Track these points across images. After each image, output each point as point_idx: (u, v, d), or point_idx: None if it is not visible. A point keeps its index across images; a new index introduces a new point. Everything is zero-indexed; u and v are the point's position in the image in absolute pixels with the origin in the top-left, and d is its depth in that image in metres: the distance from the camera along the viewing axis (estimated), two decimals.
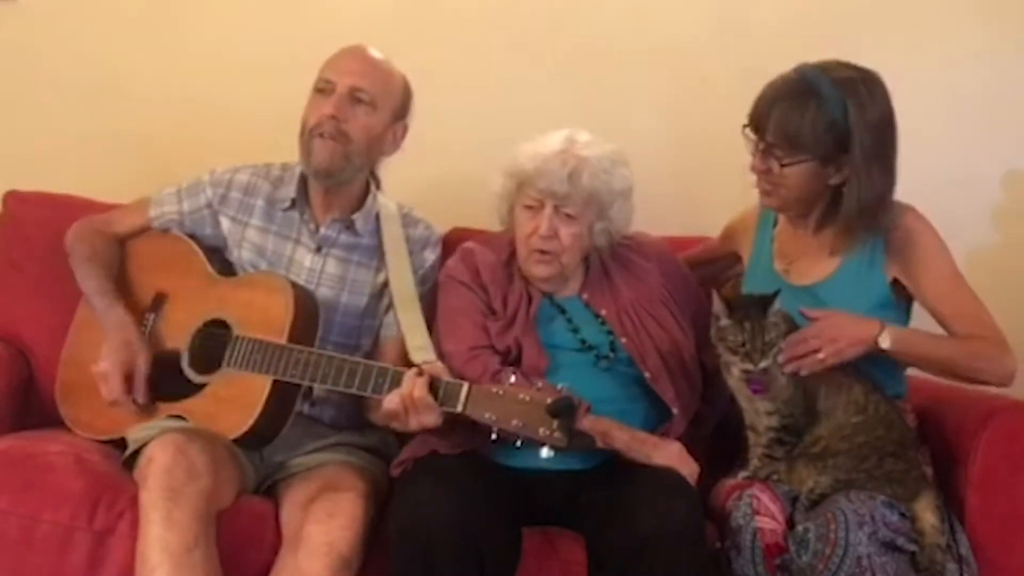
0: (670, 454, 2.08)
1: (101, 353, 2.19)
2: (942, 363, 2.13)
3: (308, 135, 2.26)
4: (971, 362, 2.11)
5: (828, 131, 2.08)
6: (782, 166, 2.11)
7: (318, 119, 2.25)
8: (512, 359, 2.15)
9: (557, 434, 1.87)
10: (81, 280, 2.33)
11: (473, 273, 2.24)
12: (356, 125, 2.26)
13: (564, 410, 1.86)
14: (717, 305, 2.07)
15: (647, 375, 2.16)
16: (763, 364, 2.03)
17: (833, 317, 2.08)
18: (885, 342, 2.06)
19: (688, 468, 2.07)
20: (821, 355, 2.04)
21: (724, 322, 2.06)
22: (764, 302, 2.06)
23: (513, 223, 2.23)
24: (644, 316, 2.22)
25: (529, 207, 2.17)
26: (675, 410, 2.15)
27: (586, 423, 1.99)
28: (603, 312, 2.23)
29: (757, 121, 2.13)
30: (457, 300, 2.23)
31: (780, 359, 2.05)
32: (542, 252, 2.17)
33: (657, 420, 2.17)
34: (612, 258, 2.28)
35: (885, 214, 2.13)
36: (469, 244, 2.32)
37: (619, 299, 2.24)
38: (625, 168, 2.20)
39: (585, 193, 2.15)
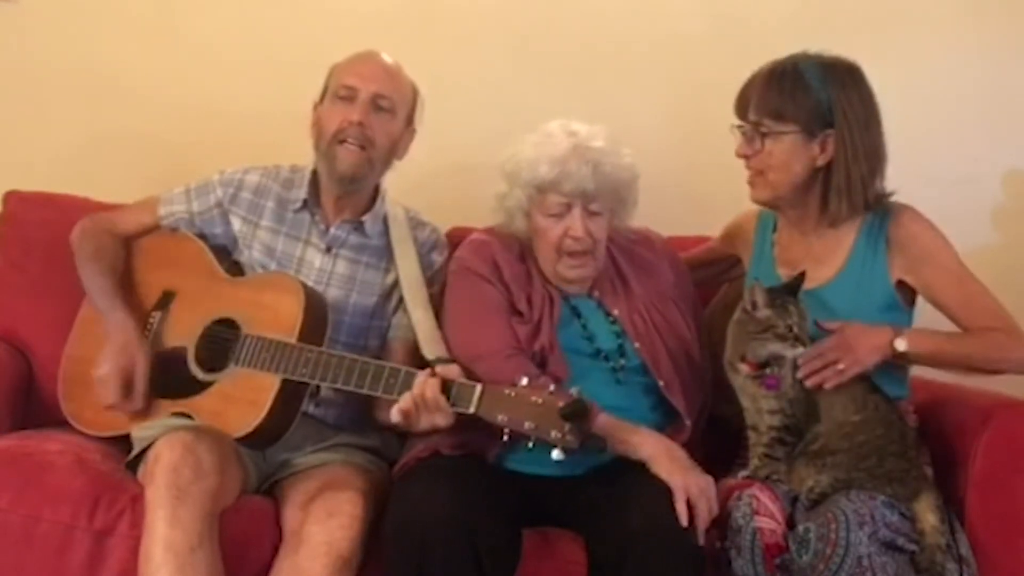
0: (694, 484, 1.96)
1: (101, 357, 2.19)
2: (959, 360, 2.13)
3: (330, 141, 2.27)
4: (988, 354, 2.11)
5: (812, 105, 2.11)
6: (764, 136, 2.12)
7: (342, 126, 2.26)
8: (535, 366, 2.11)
9: (569, 437, 1.86)
10: (85, 279, 2.33)
11: (492, 267, 2.20)
12: (379, 131, 2.28)
13: (577, 413, 1.85)
14: (760, 295, 2.06)
15: (661, 383, 2.15)
16: (808, 348, 2.05)
17: (846, 328, 2.08)
18: (902, 345, 2.07)
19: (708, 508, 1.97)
20: (841, 366, 2.05)
21: (765, 312, 2.06)
22: (791, 288, 2.07)
23: (532, 230, 2.19)
24: (655, 315, 2.21)
25: (554, 214, 2.14)
26: (688, 422, 2.14)
27: (600, 427, 1.98)
28: (615, 312, 2.21)
29: (741, 104, 2.16)
30: (481, 296, 2.18)
31: (799, 375, 2.06)
32: (576, 254, 2.15)
33: (666, 428, 2.15)
34: (622, 253, 2.25)
35: (870, 196, 2.14)
36: (480, 236, 2.28)
37: (631, 298, 2.22)
38: (626, 147, 2.18)
39: (610, 184, 2.13)
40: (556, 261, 2.17)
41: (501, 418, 1.90)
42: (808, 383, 2.06)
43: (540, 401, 1.89)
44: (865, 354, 2.06)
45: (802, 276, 2.10)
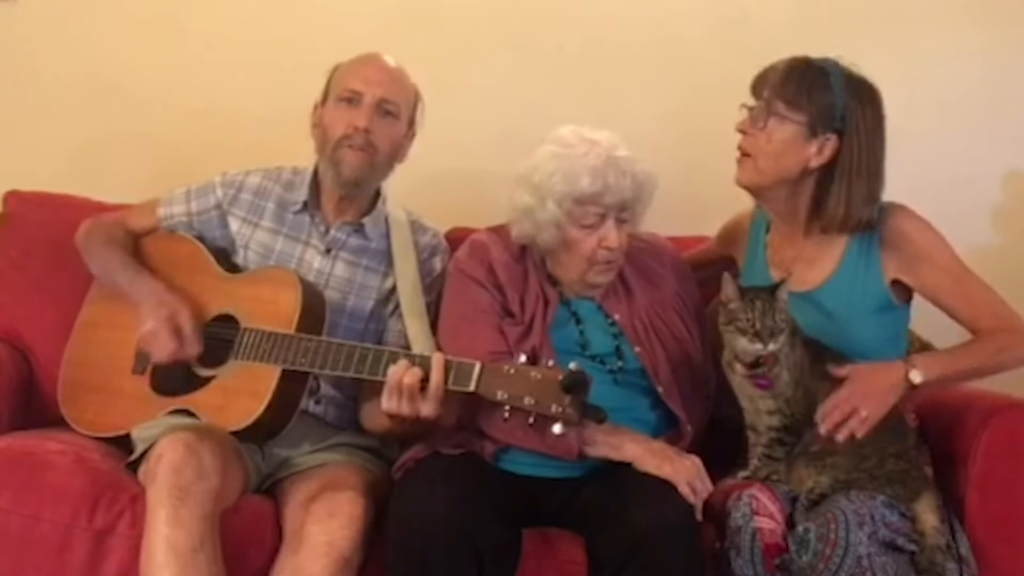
0: (684, 468, 2.02)
1: (141, 318, 2.17)
2: (971, 372, 2.13)
3: (335, 145, 2.26)
4: (996, 357, 2.10)
5: (826, 105, 2.10)
6: (771, 116, 2.11)
7: (348, 131, 2.25)
8: None
9: (569, 410, 1.86)
10: (101, 264, 2.33)
11: (487, 271, 2.20)
12: (383, 136, 2.27)
13: (577, 385, 1.85)
14: (729, 288, 2.07)
15: (660, 389, 2.15)
16: (771, 346, 2.03)
17: (856, 373, 2.05)
18: (917, 378, 2.04)
19: (703, 485, 2.02)
20: (864, 414, 2.01)
21: (734, 304, 2.06)
22: (772, 288, 2.07)
23: (559, 242, 2.15)
24: (658, 324, 2.20)
25: (588, 225, 2.12)
26: (688, 427, 2.14)
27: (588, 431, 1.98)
28: (616, 317, 2.20)
29: (761, 81, 2.15)
30: (473, 300, 2.18)
31: (822, 431, 2.03)
32: (607, 261, 2.15)
33: (667, 431, 2.16)
34: (627, 261, 2.23)
35: (869, 214, 2.13)
36: (480, 237, 2.27)
37: (634, 305, 2.21)
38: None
39: (643, 193, 2.14)
40: (586, 271, 2.16)
41: (501, 395, 1.90)
42: (838, 439, 2.02)
43: (539, 376, 1.89)
44: (883, 396, 2.03)
45: (782, 281, 2.08)
